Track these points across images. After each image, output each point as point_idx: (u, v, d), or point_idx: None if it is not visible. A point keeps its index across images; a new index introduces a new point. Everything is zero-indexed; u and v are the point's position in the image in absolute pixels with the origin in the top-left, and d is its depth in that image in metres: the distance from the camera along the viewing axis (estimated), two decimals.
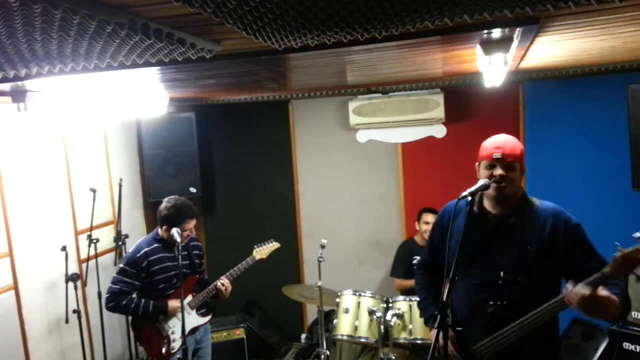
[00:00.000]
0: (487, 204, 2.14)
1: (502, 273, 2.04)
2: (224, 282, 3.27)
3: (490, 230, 2.10)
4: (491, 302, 2.06)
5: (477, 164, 2.14)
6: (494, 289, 2.06)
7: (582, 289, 1.78)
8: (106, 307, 3.08)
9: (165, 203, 3.12)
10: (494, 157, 2.03)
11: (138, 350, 4.34)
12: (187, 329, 3.16)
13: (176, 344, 3.17)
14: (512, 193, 2.05)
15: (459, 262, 2.06)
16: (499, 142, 2.07)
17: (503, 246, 2.07)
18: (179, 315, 3.01)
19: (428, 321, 2.36)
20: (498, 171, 2.02)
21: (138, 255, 3.09)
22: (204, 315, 3.34)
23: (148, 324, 3.15)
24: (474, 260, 2.11)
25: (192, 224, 3.12)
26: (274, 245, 3.57)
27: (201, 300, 3.26)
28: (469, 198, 1.94)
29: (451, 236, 2.04)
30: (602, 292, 1.79)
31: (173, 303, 3.13)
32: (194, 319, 3.27)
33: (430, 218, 4.16)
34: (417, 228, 4.26)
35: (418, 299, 2.59)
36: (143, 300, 3.08)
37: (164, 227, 3.10)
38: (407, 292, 4.07)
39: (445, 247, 2.02)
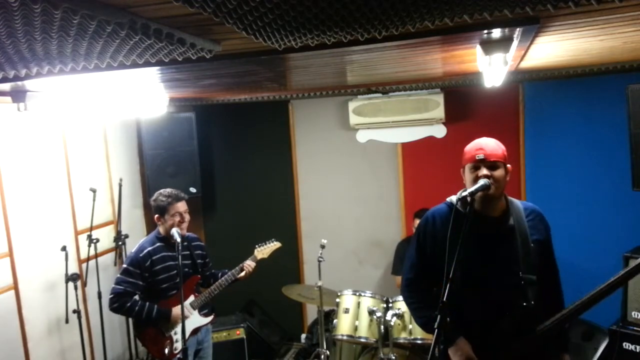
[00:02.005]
0: (478, 207, 2.09)
1: (520, 273, 2.05)
2: (250, 264, 3.32)
3: (494, 235, 2.11)
4: (516, 303, 2.04)
5: (461, 169, 2.17)
6: (515, 291, 2.05)
7: None
8: (110, 308, 3.07)
9: (154, 195, 3.19)
10: (477, 158, 2.07)
11: (138, 350, 4.33)
12: (190, 329, 3.15)
13: (179, 345, 3.15)
14: (499, 193, 2.09)
15: (466, 270, 1.99)
16: (480, 144, 2.12)
17: (509, 249, 2.08)
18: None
19: (426, 326, 2.23)
20: (483, 171, 2.05)
21: (141, 255, 3.08)
22: (206, 315, 3.32)
23: (150, 324, 3.13)
24: (483, 266, 2.08)
25: (180, 206, 3.14)
26: (275, 245, 3.56)
27: (206, 298, 3.25)
28: (468, 200, 1.97)
29: (442, 241, 1.97)
30: None
31: (177, 310, 3.12)
32: (196, 320, 3.26)
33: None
34: (413, 229, 4.26)
35: (417, 318, 2.34)
36: (147, 303, 3.07)
37: (156, 215, 3.14)
38: None
39: (443, 254, 1.90)
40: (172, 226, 3.06)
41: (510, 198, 2.20)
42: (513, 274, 2.06)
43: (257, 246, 3.52)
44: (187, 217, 3.18)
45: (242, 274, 3.31)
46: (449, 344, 2.06)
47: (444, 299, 1.85)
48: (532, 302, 2.04)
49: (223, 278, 3.29)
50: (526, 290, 2.05)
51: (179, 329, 3.14)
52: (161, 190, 3.20)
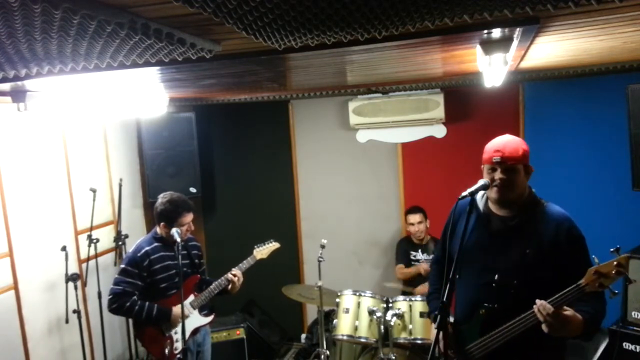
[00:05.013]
0: (491, 205, 2.14)
1: (496, 275, 2.04)
2: (235, 273, 3.25)
3: (493, 231, 2.10)
4: (485, 304, 2.06)
5: (482, 166, 2.13)
6: (489, 291, 2.06)
7: (547, 305, 1.83)
8: (109, 309, 3.03)
9: (161, 199, 3.10)
10: (494, 160, 2.01)
11: (138, 350, 4.33)
12: (190, 329, 3.14)
13: (179, 344, 3.13)
14: (514, 196, 2.04)
15: (460, 261, 2.08)
16: (500, 145, 2.04)
17: (502, 248, 2.07)
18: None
19: (430, 315, 2.37)
20: (498, 175, 2.01)
21: (139, 254, 3.05)
22: (206, 315, 3.31)
23: (151, 324, 3.11)
24: (474, 260, 2.12)
25: (189, 217, 3.09)
26: (274, 245, 3.57)
27: (205, 298, 3.23)
28: (474, 198, 1.95)
29: (455, 235, 2.05)
30: (566, 311, 1.84)
31: (177, 309, 3.09)
32: (196, 319, 3.24)
33: (411, 219, 4.19)
34: (407, 227, 4.30)
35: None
36: (147, 303, 3.04)
37: (162, 223, 3.07)
38: (406, 292, 4.08)
39: (452, 245, 2.01)
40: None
41: (540, 200, 2.11)
42: (490, 273, 2.05)
43: (256, 247, 3.53)
44: (192, 227, 3.15)
45: (230, 286, 3.24)
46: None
47: (444, 299, 1.85)
48: (497, 305, 2.03)
49: (222, 278, 3.27)
50: (496, 292, 2.03)
51: (179, 328, 3.12)
52: (167, 196, 3.09)
